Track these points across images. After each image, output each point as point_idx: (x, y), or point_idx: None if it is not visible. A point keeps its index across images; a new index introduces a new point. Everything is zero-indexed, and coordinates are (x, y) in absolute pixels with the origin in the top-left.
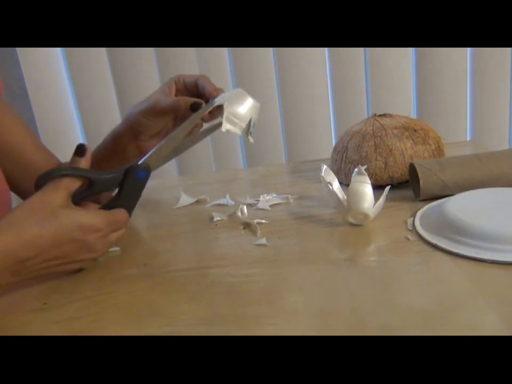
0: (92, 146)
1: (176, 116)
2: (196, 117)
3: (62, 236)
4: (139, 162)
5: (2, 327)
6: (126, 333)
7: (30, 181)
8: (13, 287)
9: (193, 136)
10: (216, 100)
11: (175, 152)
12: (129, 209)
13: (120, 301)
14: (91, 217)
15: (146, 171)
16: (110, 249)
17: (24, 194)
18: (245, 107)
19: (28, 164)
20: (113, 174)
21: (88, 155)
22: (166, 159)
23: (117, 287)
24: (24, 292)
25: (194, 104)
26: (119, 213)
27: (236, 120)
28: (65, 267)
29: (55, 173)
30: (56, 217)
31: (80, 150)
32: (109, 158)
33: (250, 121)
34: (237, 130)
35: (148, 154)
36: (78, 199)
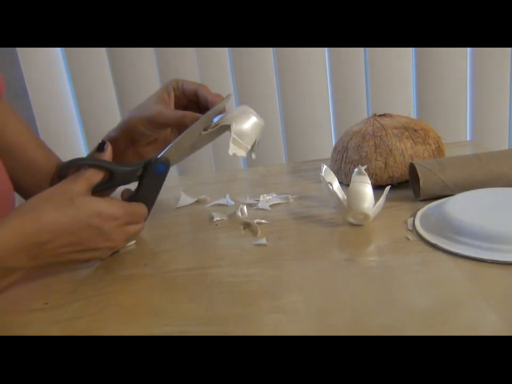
0: (91, 147)
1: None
2: (210, 114)
3: (79, 222)
4: (158, 156)
5: (2, 327)
6: (126, 333)
7: (32, 179)
8: (14, 286)
9: (211, 132)
10: (222, 116)
11: (193, 147)
12: (149, 204)
13: (120, 301)
14: (109, 205)
15: (165, 165)
16: (127, 243)
17: (26, 192)
18: (251, 128)
19: (29, 162)
20: (132, 167)
21: (109, 149)
22: (185, 154)
23: (117, 287)
24: (24, 292)
25: None
26: (138, 206)
27: (242, 143)
28: (83, 255)
29: (77, 162)
30: (74, 204)
31: (100, 146)
32: None
33: (255, 141)
34: (243, 153)
35: (167, 148)
36: (96, 191)
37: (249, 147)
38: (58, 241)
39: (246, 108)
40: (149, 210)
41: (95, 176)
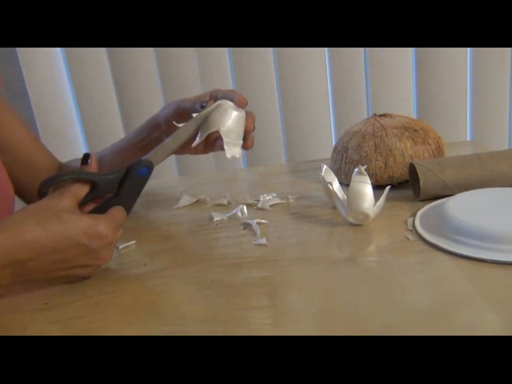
0: (91, 147)
1: None
2: (200, 117)
3: (65, 239)
4: (142, 159)
5: (2, 327)
6: (126, 333)
7: (30, 177)
8: (13, 287)
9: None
10: (200, 116)
11: (176, 149)
12: (128, 207)
13: (120, 301)
14: (96, 222)
15: (148, 168)
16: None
17: (24, 192)
18: (237, 124)
19: (27, 160)
20: (115, 174)
21: (93, 161)
22: (168, 156)
23: (117, 287)
24: (24, 292)
25: (202, 103)
26: (119, 214)
27: (234, 141)
28: (70, 272)
29: (57, 178)
30: (60, 220)
31: (84, 159)
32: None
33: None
34: (239, 152)
35: (152, 151)
36: (82, 204)
37: (241, 142)
38: (43, 259)
39: (224, 103)
40: (128, 212)
41: (81, 190)
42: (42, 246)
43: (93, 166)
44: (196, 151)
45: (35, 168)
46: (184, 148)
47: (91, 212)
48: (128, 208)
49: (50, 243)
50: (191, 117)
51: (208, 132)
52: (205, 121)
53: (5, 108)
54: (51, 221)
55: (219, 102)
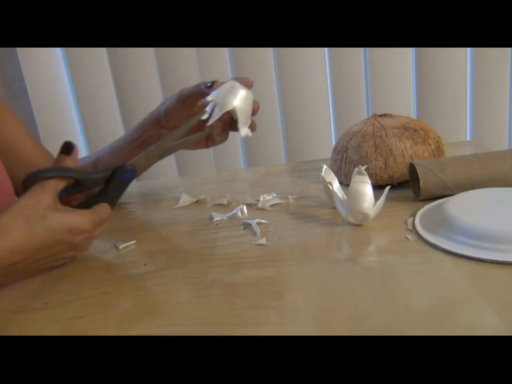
0: (91, 147)
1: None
2: (191, 122)
3: (51, 238)
4: (127, 164)
5: (2, 327)
6: (126, 333)
7: None
8: (13, 287)
9: (183, 140)
10: (211, 96)
11: (163, 154)
12: (112, 204)
13: (120, 301)
14: (79, 219)
15: (133, 172)
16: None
17: (21, 190)
18: (246, 103)
19: (27, 161)
20: (100, 174)
21: (75, 154)
22: (154, 161)
23: (117, 287)
24: (24, 292)
25: (207, 84)
26: (103, 211)
27: (246, 121)
28: (51, 264)
29: (42, 174)
30: (46, 221)
31: (67, 148)
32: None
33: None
34: (249, 131)
35: (137, 157)
36: (63, 196)
37: (250, 122)
38: (31, 259)
39: (232, 83)
40: (112, 208)
41: (60, 183)
42: (31, 248)
43: (74, 158)
44: (198, 145)
45: (34, 167)
46: (184, 144)
47: (78, 205)
48: (112, 205)
49: (37, 244)
50: (202, 101)
51: (223, 111)
52: (217, 102)
53: (4, 108)
54: (37, 223)
55: (228, 81)
